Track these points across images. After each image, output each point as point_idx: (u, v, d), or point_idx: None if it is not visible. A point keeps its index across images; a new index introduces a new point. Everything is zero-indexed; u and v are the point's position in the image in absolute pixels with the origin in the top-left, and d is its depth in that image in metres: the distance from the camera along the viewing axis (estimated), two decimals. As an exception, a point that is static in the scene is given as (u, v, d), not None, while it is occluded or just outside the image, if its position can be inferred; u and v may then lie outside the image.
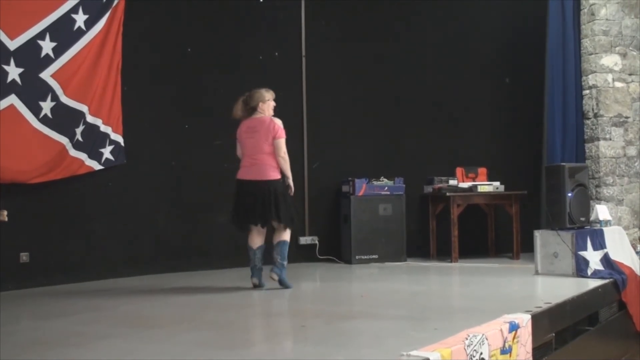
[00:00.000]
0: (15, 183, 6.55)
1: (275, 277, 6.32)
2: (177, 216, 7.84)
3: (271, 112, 6.45)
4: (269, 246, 6.47)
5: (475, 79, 9.25)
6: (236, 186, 6.39)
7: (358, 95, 8.84)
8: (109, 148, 7.29)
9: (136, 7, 7.36)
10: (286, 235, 6.38)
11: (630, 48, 8.56)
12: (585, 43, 8.61)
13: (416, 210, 8.90)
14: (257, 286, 6.35)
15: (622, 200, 8.46)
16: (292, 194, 6.48)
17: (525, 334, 4.38)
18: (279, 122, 6.35)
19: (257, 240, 6.42)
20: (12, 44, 6.50)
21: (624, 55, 8.54)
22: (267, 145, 6.26)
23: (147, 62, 7.61)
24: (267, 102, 6.42)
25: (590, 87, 8.56)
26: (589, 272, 6.57)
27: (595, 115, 8.50)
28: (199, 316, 5.24)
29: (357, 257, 8.27)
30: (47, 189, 6.85)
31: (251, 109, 6.41)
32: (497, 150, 9.24)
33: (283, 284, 6.34)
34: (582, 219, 6.99)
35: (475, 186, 8.47)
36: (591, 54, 8.54)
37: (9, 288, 6.50)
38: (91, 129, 7.10)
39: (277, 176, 6.31)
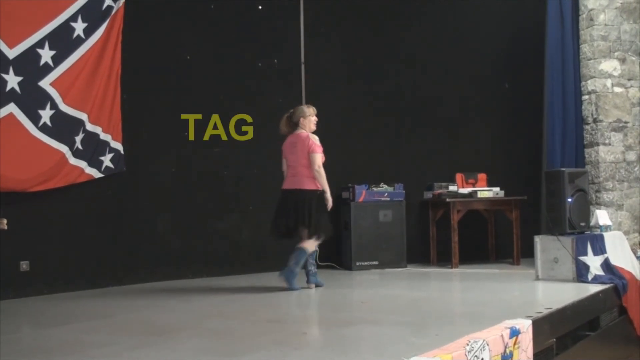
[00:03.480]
0: (14, 191, 6.54)
1: (282, 278, 6.66)
2: (177, 223, 7.84)
3: (313, 127, 6.90)
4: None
5: (474, 85, 9.27)
6: (280, 195, 6.84)
7: (357, 101, 8.85)
8: (108, 156, 7.29)
9: (135, 14, 7.37)
10: (308, 244, 6.69)
11: (629, 53, 8.57)
12: (584, 48, 8.63)
13: (416, 216, 8.91)
14: (317, 286, 6.84)
15: (622, 205, 8.46)
16: (330, 206, 6.82)
17: (526, 340, 4.38)
18: (314, 138, 6.76)
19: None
20: (11, 53, 6.50)
21: (622, 61, 8.55)
22: (305, 159, 6.70)
23: (146, 69, 7.62)
24: (308, 117, 6.86)
25: (589, 93, 8.57)
26: (590, 277, 6.57)
27: (595, 121, 8.51)
28: (200, 323, 5.23)
29: (357, 263, 8.27)
30: (47, 198, 6.84)
31: (294, 125, 6.87)
32: (496, 156, 9.25)
33: (290, 286, 6.64)
34: (582, 224, 6.99)
35: (475, 192, 8.47)
36: (590, 59, 8.55)
37: (9, 296, 6.50)
38: (91, 136, 7.10)
39: (313, 187, 6.71)
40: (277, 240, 6.96)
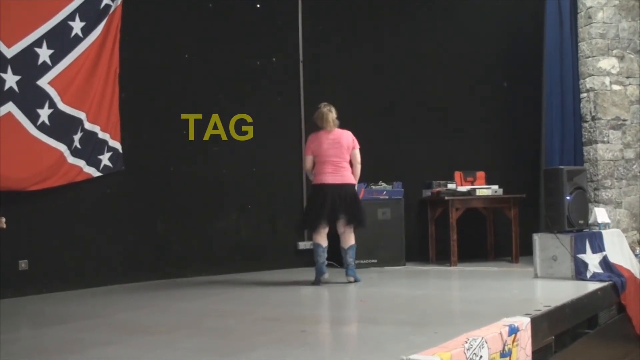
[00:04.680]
0: (13, 190, 6.54)
1: (352, 279, 7.05)
2: (176, 222, 7.84)
3: None
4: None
5: (473, 83, 9.26)
6: (318, 189, 7.03)
7: (356, 100, 8.83)
8: (107, 155, 7.29)
9: (133, 13, 7.37)
10: (354, 239, 7.14)
11: (628, 51, 8.57)
12: (583, 46, 8.63)
13: (415, 214, 8.90)
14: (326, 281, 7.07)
15: (621, 203, 8.46)
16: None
17: (525, 337, 4.38)
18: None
19: (325, 239, 7.08)
20: (9, 52, 6.50)
21: (621, 58, 8.55)
22: (348, 154, 7.07)
23: (144, 68, 7.61)
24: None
25: (587, 90, 8.57)
26: (588, 275, 6.57)
27: (593, 118, 8.51)
28: (199, 322, 5.23)
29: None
30: (46, 196, 6.84)
31: (336, 120, 7.12)
32: (495, 154, 9.24)
33: (356, 280, 7.09)
34: (581, 222, 6.99)
35: (474, 190, 8.47)
36: (588, 57, 8.55)
37: (8, 295, 6.50)
38: (89, 135, 7.10)
39: (355, 181, 7.14)
40: (310, 231, 7.40)
